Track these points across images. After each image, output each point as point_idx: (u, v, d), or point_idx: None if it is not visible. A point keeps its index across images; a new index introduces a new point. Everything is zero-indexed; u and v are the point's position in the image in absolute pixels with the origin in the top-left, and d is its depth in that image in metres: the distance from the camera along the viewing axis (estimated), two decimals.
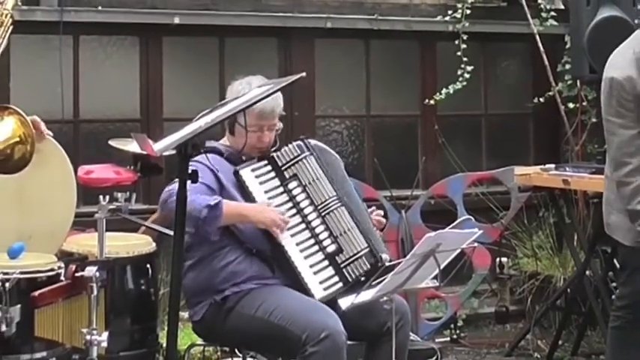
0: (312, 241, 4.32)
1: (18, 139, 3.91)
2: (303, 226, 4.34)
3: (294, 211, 4.35)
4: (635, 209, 4.63)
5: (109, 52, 6.87)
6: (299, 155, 4.40)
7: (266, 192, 4.32)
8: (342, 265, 4.29)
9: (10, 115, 3.95)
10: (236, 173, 4.33)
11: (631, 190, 4.63)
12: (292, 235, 4.30)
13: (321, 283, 4.25)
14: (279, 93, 4.20)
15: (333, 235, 4.33)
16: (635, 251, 4.75)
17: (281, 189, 4.37)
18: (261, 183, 4.34)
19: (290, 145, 4.42)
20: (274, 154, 4.40)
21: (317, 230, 4.34)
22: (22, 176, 3.99)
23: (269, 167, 4.38)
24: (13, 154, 3.91)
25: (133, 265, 4.82)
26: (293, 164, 4.39)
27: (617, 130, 4.69)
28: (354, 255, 4.30)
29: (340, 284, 4.26)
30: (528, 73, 8.01)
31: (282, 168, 4.39)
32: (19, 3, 4.46)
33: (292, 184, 4.37)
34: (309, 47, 7.29)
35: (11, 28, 4.33)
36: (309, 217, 4.35)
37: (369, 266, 4.26)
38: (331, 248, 4.32)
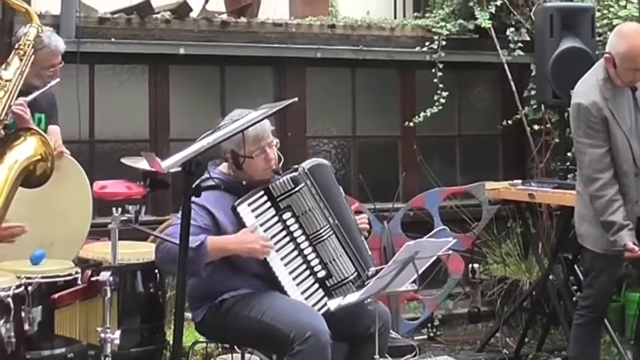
0: (304, 267, 4.26)
1: (40, 156, 3.90)
2: (296, 253, 4.26)
3: (287, 239, 4.26)
4: (607, 220, 4.66)
5: (122, 79, 6.90)
6: (293, 188, 4.27)
7: (262, 224, 4.20)
8: (331, 289, 4.27)
9: (33, 135, 3.95)
10: (234, 210, 4.20)
11: (604, 203, 4.66)
12: (286, 265, 4.24)
13: (313, 306, 4.21)
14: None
15: (324, 262, 4.27)
16: (600, 257, 4.80)
17: (276, 219, 4.25)
18: (257, 216, 4.21)
19: (284, 178, 4.27)
20: (270, 186, 4.27)
21: (309, 257, 4.27)
22: (44, 190, 3.99)
23: (265, 198, 4.25)
24: (36, 170, 3.90)
25: (143, 271, 4.82)
26: (287, 196, 4.27)
27: (587, 150, 4.72)
28: (343, 280, 4.28)
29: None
30: (498, 98, 8.03)
31: (278, 199, 4.26)
32: (40, 35, 4.47)
33: (286, 215, 4.26)
34: (301, 75, 7.32)
35: (33, 57, 4.33)
36: (302, 246, 4.27)
37: (355, 290, 4.22)
38: (322, 274, 4.26)
